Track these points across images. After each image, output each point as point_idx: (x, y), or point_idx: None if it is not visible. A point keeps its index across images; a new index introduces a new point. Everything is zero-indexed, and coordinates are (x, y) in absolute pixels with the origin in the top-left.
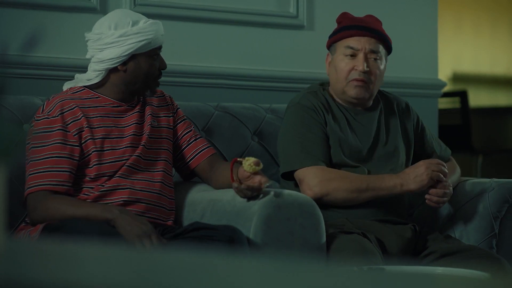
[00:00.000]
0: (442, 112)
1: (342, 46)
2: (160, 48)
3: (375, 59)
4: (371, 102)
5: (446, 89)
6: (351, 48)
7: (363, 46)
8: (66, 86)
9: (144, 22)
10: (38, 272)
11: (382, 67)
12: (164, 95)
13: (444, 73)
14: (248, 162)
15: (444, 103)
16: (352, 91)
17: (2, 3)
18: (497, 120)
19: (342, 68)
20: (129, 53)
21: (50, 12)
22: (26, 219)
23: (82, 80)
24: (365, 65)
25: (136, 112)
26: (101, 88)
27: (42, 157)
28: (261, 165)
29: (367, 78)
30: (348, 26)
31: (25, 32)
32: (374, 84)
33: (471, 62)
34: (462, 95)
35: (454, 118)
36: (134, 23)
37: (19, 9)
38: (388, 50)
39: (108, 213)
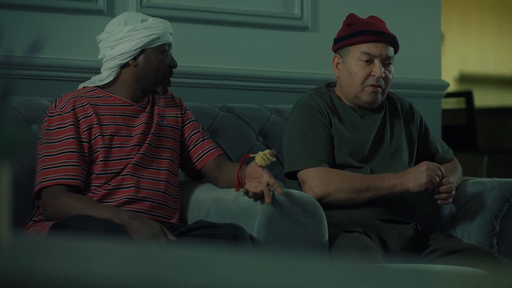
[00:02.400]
0: (448, 112)
1: (358, 51)
2: (169, 45)
3: (389, 63)
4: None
5: (452, 89)
6: (368, 54)
7: (380, 52)
8: (81, 86)
9: (152, 20)
10: (42, 267)
11: (393, 71)
12: (174, 96)
13: (450, 74)
14: (261, 154)
15: (450, 104)
16: (368, 97)
17: (10, 5)
18: (502, 120)
19: (357, 72)
20: (139, 47)
21: (58, 14)
22: (33, 218)
23: (95, 81)
24: (383, 70)
25: (146, 112)
26: (113, 87)
27: (56, 152)
28: (274, 159)
29: (382, 84)
30: (364, 31)
31: (33, 34)
32: (387, 89)
33: (478, 63)
34: (467, 96)
35: (459, 118)
36: (143, 20)
37: (27, 11)
38: (396, 52)
39: (118, 219)
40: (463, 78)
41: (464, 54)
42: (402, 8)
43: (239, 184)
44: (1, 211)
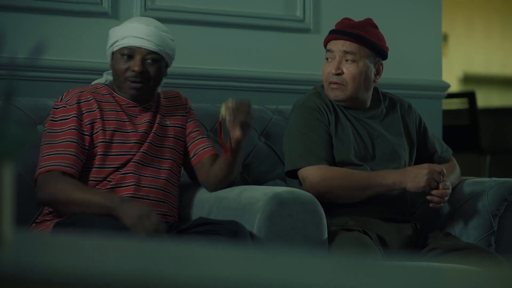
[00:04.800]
0: (451, 113)
1: (326, 51)
2: (132, 49)
3: (352, 60)
4: (368, 103)
5: (457, 90)
6: (329, 51)
7: (336, 48)
8: (94, 82)
9: (126, 23)
10: (45, 263)
11: (360, 67)
12: (180, 95)
13: (455, 74)
14: (224, 106)
15: (454, 104)
16: (331, 94)
17: (16, 8)
18: (505, 121)
19: (323, 71)
20: (109, 51)
21: (63, 16)
22: (36, 220)
23: (107, 79)
24: (336, 67)
25: (151, 111)
26: (115, 88)
27: (57, 141)
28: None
29: (341, 80)
30: (330, 31)
31: (38, 37)
32: (353, 85)
33: (482, 63)
34: (470, 96)
35: (462, 118)
36: (124, 24)
37: (32, 14)
38: (376, 51)
39: (109, 202)
40: (468, 79)
41: (468, 55)
42: (403, 9)
43: (225, 150)
44: (4, 209)
